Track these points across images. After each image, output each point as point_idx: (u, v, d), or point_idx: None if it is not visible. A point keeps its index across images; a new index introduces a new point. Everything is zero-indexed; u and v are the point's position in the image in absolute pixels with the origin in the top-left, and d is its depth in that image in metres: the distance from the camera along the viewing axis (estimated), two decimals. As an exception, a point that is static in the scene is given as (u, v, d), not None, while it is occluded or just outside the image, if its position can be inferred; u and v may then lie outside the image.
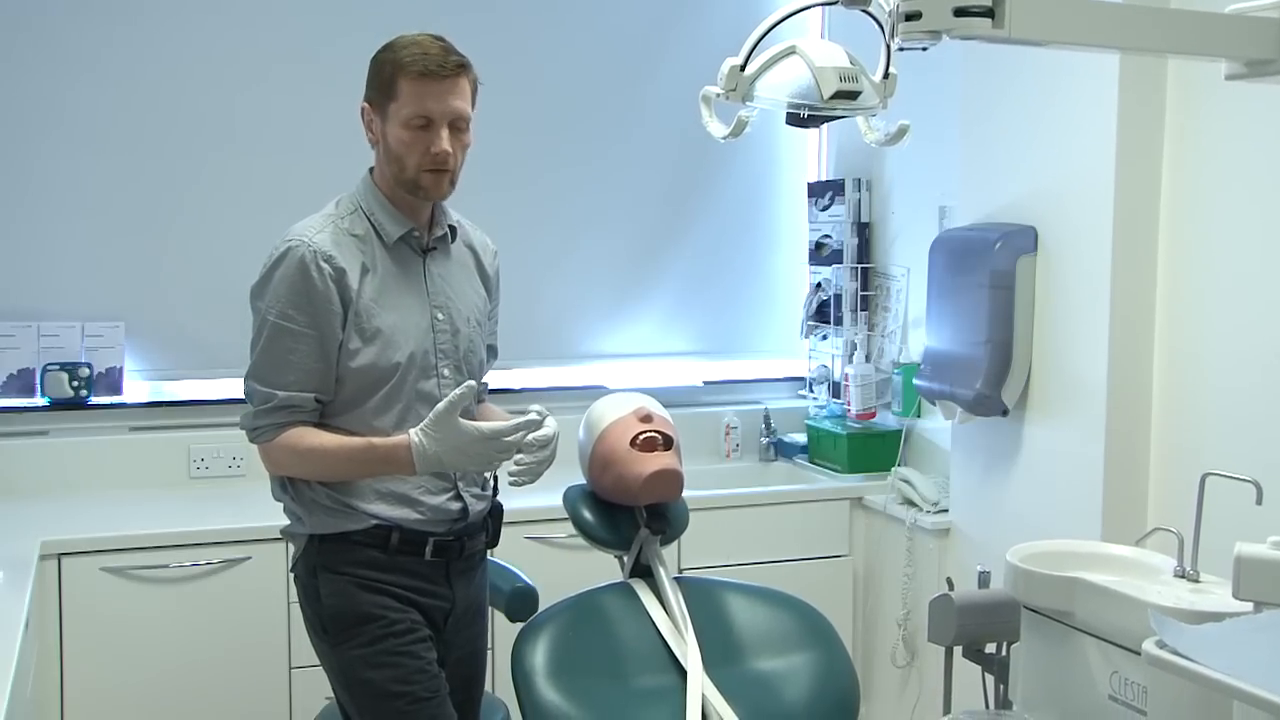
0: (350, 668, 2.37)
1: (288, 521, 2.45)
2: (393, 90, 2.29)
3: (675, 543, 3.38)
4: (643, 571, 2.71)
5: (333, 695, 2.47)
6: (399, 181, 2.35)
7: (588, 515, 2.73)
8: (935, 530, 3.63)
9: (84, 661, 3.21)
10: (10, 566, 2.84)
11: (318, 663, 2.45)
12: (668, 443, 2.65)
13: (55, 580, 3.17)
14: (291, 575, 2.46)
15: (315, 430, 2.33)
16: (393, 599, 2.36)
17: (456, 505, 2.42)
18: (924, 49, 1.61)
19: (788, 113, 2.13)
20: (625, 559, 2.73)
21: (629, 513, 2.70)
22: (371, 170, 2.42)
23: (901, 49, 1.63)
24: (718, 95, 2.16)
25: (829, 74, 2.02)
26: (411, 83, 2.28)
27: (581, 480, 2.82)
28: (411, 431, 2.26)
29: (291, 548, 2.46)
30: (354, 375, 2.33)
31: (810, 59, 2.03)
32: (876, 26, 2.04)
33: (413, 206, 2.40)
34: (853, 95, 2.07)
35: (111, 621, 3.22)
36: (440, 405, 2.24)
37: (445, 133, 2.31)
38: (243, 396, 2.38)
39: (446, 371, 2.41)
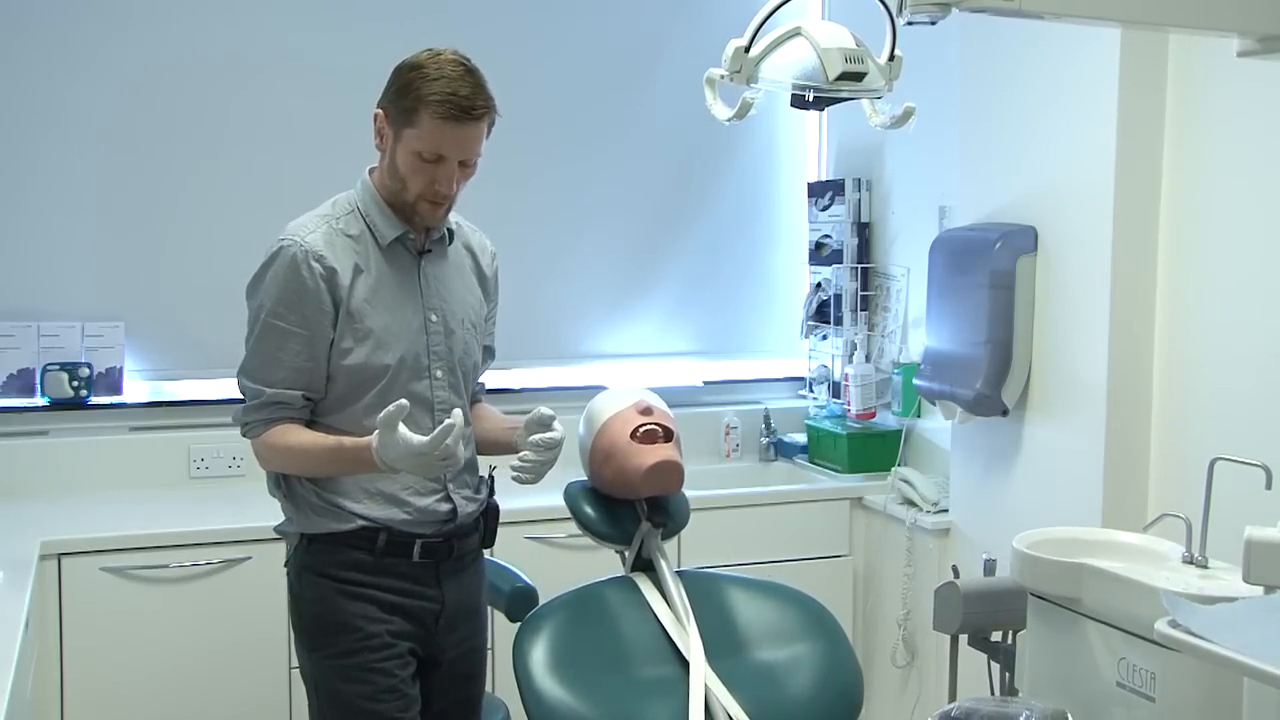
0: (323, 676, 2.39)
1: (284, 518, 2.45)
2: (412, 119, 2.26)
3: (676, 543, 3.40)
4: (644, 565, 2.70)
5: None
6: (398, 198, 2.35)
7: (589, 510, 2.72)
8: (935, 530, 3.62)
9: (84, 661, 3.20)
10: (10, 566, 2.83)
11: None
12: (668, 435, 2.65)
13: (55, 580, 3.16)
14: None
15: (299, 428, 2.33)
16: (376, 606, 2.36)
17: (445, 507, 2.42)
18: (932, 23, 1.60)
19: (792, 95, 2.12)
20: (626, 553, 2.72)
21: (630, 506, 2.70)
22: (372, 170, 2.41)
23: (910, 23, 1.62)
24: (722, 77, 2.15)
25: (834, 55, 2.01)
26: (433, 121, 2.24)
27: (582, 476, 2.80)
28: (373, 435, 2.21)
29: (285, 545, 2.47)
30: (345, 374, 2.33)
31: (815, 40, 2.02)
32: (882, 6, 2.04)
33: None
34: (858, 77, 2.05)
35: (111, 621, 3.21)
36: (381, 415, 2.17)
37: (454, 171, 2.30)
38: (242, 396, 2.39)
39: (439, 373, 2.41)
